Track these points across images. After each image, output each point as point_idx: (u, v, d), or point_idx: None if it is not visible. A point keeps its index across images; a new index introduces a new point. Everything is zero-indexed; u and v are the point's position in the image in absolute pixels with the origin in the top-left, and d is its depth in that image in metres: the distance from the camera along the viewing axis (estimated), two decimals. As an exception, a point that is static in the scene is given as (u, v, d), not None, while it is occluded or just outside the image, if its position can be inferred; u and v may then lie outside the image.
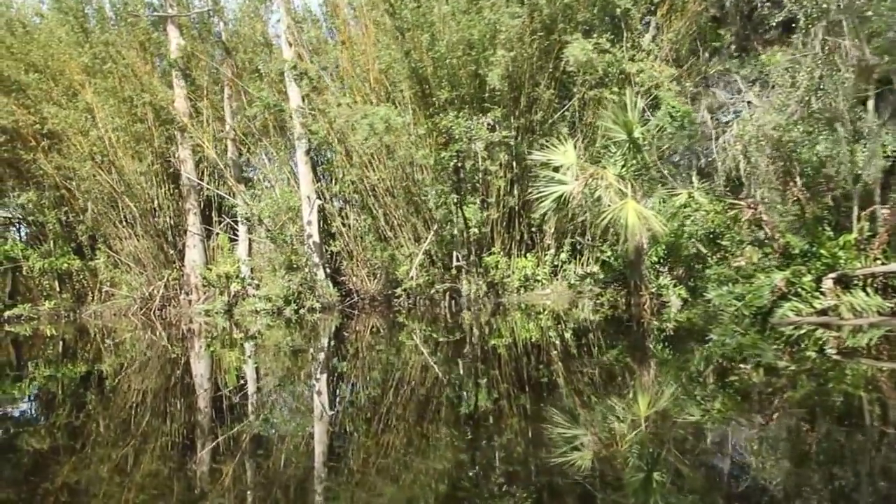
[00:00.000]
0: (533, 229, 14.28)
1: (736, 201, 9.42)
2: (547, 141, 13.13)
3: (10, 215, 19.34)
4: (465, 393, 6.40)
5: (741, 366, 6.95)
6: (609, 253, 11.64)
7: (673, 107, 10.58)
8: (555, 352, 8.41)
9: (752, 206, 8.62)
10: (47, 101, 15.71)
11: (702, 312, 9.33)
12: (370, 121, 11.41)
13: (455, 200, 12.70)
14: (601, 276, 12.53)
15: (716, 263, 9.46)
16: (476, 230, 12.95)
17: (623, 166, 10.40)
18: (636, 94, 10.70)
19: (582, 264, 14.59)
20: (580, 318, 11.33)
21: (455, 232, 13.11)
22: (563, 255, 14.35)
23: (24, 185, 17.09)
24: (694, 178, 10.92)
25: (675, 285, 10.53)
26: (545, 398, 6.12)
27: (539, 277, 14.25)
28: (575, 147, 11.56)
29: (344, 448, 4.84)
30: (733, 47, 13.38)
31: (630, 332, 9.95)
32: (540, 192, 10.33)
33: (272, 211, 14.00)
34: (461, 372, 7.46)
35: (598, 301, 12.03)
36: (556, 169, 10.99)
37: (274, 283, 14.54)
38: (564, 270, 14.40)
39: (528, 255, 14.43)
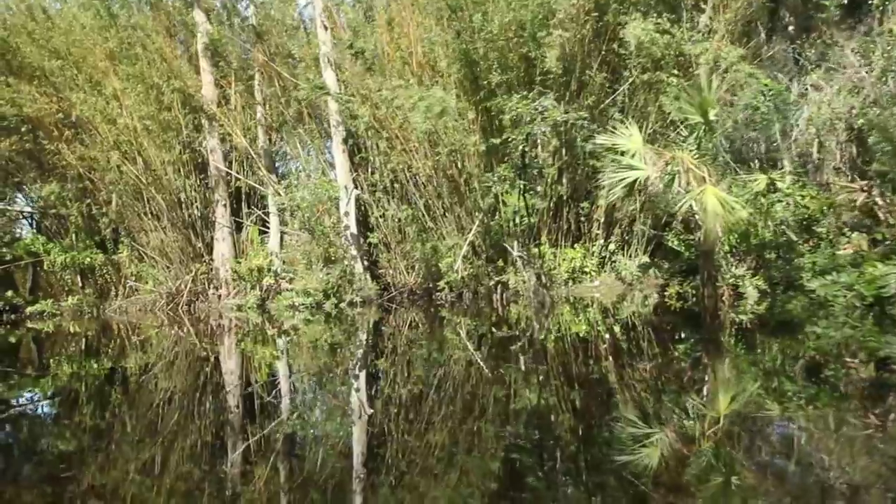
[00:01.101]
0: (582, 219, 13.74)
1: (848, 185, 8.89)
2: (600, 126, 12.65)
3: (28, 209, 18.74)
4: (518, 391, 5.90)
5: (849, 360, 6.45)
6: (675, 242, 11.10)
7: (766, 85, 10.04)
8: (619, 346, 7.90)
9: (865, 189, 8.09)
10: (71, 88, 15.08)
11: (805, 303, 8.81)
12: (428, 103, 10.83)
13: (521, 187, 12.14)
14: (667, 267, 11.99)
15: (809, 251, 8.94)
16: (532, 219, 12.41)
17: (696, 150, 9.86)
18: (706, 77, 10.12)
19: (630, 255, 14.08)
20: (640, 311, 10.83)
21: (516, 221, 12.51)
22: (612, 246, 13.84)
23: (45, 176, 16.46)
24: (786, 162, 10.38)
25: (751, 275, 10.00)
26: (611, 395, 5.61)
27: (587, 269, 13.73)
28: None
29: (386, 449, 4.48)
30: (792, 28, 12.84)
31: (705, 326, 9.42)
32: (609, 179, 9.77)
33: (311, 201, 13.40)
34: (514, 369, 6.92)
35: (663, 293, 11.49)
36: (620, 153, 10.50)
37: (310, 277, 13.97)
38: (613, 262, 13.90)
39: (575, 245, 13.90)
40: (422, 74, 13.00)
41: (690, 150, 9.85)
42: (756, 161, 11.62)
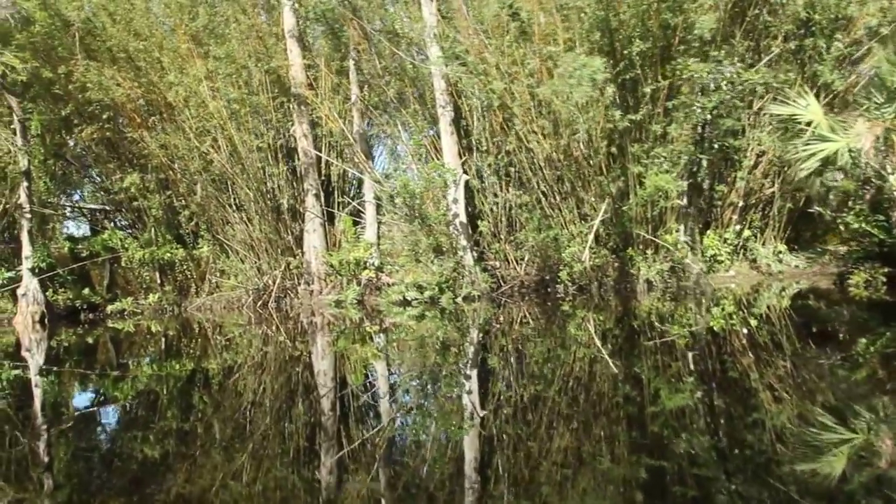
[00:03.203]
0: (717, 202, 12.62)
1: None
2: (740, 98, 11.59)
3: (92, 205, 17.93)
4: (673, 394, 5.07)
5: None
6: (856, 225, 9.97)
7: None
8: (795, 340, 6.96)
9: None
10: (156, 71, 14.16)
11: None
12: (591, 70, 9.72)
13: (705, 162, 11.03)
14: (844, 252, 10.86)
15: None
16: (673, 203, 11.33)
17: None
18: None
19: (763, 242, 12.99)
20: (810, 303, 9.76)
21: (655, 204, 11.35)
22: (747, 233, 12.73)
23: (124, 167, 15.59)
24: None
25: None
26: (793, 394, 4.79)
27: (721, 258, 12.62)
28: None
29: (500, 456, 3.96)
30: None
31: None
32: (801, 152, 8.68)
33: (423, 188, 12.37)
34: (657, 369, 6.03)
35: (843, 282, 10.35)
36: (794, 124, 9.46)
37: (420, 270, 12.96)
38: (748, 249, 12.82)
39: (707, 232, 12.80)
40: (546, 45, 11.89)
41: (889, 118, 8.74)
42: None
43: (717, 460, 3.61)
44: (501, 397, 5.38)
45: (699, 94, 10.70)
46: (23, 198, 14.66)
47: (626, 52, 10.98)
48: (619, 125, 10.99)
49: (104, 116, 14.51)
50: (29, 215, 14.67)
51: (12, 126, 14.45)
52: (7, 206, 15.54)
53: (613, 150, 11.72)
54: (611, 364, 6.38)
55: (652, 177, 11.35)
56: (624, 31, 11.02)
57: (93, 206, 18.42)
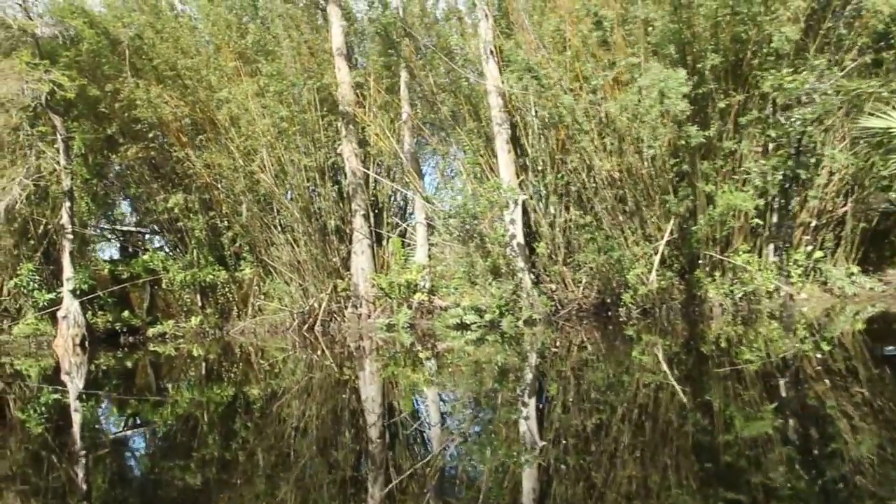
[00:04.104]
0: (788, 221, 12.10)
1: None
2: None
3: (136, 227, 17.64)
4: (742, 423, 4.71)
5: None
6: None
7: None
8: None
9: None
10: (203, 88, 13.89)
11: None
12: (677, 83, 9.30)
13: (801, 177, 10.56)
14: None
15: None
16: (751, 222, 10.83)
17: None
18: None
19: (835, 263, 12.44)
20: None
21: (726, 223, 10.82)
22: (818, 253, 12.19)
23: (167, 187, 15.28)
24: None
25: None
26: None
27: (792, 280, 12.07)
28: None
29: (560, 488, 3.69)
30: None
31: None
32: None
33: (484, 207, 11.94)
34: (729, 397, 5.65)
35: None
36: (890, 137, 8.98)
37: (476, 293, 12.50)
38: (819, 271, 12.26)
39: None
40: (607, 61, 11.51)
41: None
42: None
43: (803, 498, 3.31)
44: (562, 426, 5.10)
45: (793, 106, 10.21)
46: (65, 218, 14.35)
47: (699, 65, 10.56)
48: (692, 142, 10.52)
49: (149, 135, 14.23)
50: (71, 236, 14.34)
51: (56, 145, 14.18)
52: (48, 226, 15.23)
53: (685, 167, 11.23)
54: (679, 391, 6.00)
55: (725, 195, 10.87)
56: (698, 45, 10.61)
57: (131, 229, 18.14)
